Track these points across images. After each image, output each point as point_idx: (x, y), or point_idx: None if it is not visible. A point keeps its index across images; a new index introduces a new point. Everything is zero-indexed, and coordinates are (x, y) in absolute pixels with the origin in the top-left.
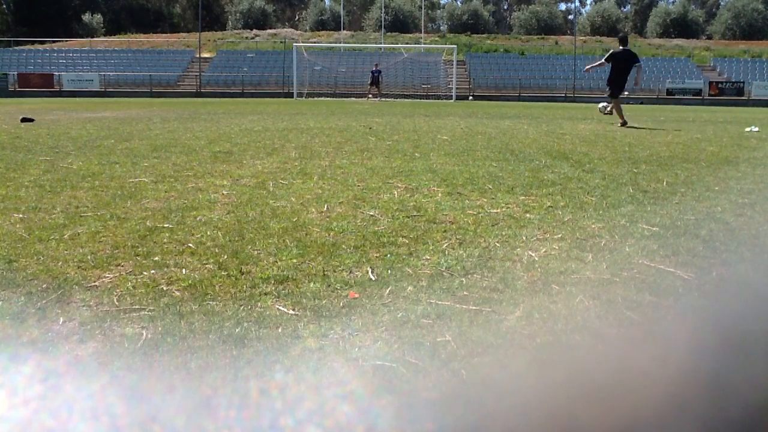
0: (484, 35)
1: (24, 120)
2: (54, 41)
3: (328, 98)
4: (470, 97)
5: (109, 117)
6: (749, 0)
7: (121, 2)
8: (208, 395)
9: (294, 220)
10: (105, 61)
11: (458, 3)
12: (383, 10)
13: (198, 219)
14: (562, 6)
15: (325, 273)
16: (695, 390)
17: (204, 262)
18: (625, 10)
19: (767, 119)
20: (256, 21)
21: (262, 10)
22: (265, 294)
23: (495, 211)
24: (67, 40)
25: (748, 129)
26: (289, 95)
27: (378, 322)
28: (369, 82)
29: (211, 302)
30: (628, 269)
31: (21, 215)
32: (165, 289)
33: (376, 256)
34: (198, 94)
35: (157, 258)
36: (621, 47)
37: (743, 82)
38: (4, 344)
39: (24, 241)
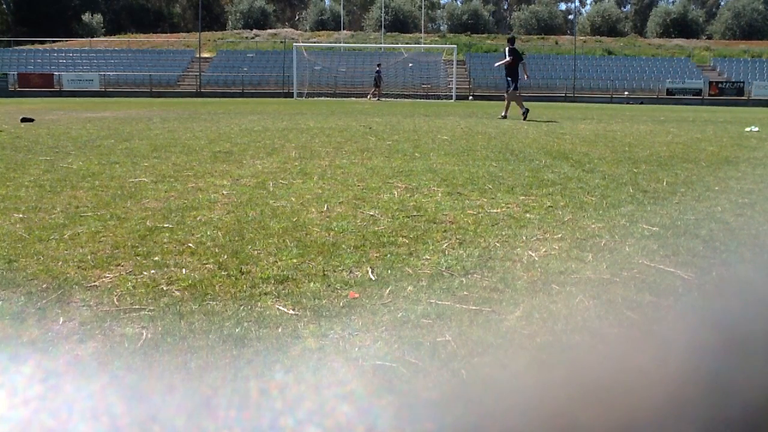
0: (484, 35)
1: (24, 120)
2: (54, 41)
3: (328, 98)
4: (470, 97)
5: (109, 117)
6: (749, 0)
7: (121, 2)
8: (208, 395)
9: (294, 220)
10: (105, 61)
11: (458, 3)
12: (383, 10)
13: (198, 219)
14: (562, 6)
15: (325, 273)
16: (695, 390)
17: (204, 262)
18: (625, 9)
19: (767, 119)
20: (256, 21)
21: (262, 10)
22: (265, 294)
23: (495, 210)
24: (67, 40)
25: (748, 129)
26: (289, 95)
27: (378, 322)
28: (374, 83)
29: (211, 302)
30: (628, 269)
31: (21, 215)
32: (165, 289)
33: (376, 256)
34: (198, 94)
35: (157, 258)
36: (512, 46)
37: (743, 82)
38: (4, 344)
39: (24, 241)
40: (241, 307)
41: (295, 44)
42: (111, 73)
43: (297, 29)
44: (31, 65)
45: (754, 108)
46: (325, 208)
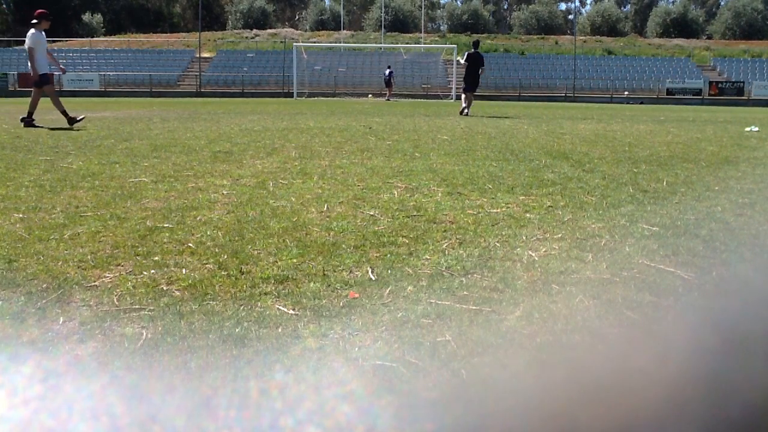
0: (484, 35)
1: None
2: (54, 41)
3: (328, 98)
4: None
5: (109, 117)
6: (749, 0)
7: (121, 2)
8: (208, 395)
9: (294, 219)
10: (105, 60)
11: (458, 3)
12: (383, 9)
13: (198, 219)
14: (562, 6)
15: (325, 273)
16: (694, 390)
17: (204, 261)
18: (625, 9)
19: (767, 119)
20: (256, 21)
21: (262, 9)
22: (265, 294)
23: (495, 210)
24: (67, 40)
25: (748, 129)
26: (289, 95)
27: (378, 322)
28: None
29: (211, 302)
30: (628, 269)
31: (21, 215)
32: (165, 288)
33: (376, 256)
34: (198, 94)
35: (157, 258)
36: (474, 50)
37: (743, 82)
38: (4, 344)
39: (24, 241)
40: (241, 307)
41: (295, 44)
42: (111, 73)
43: (297, 29)
44: None
45: (754, 108)
46: (325, 208)
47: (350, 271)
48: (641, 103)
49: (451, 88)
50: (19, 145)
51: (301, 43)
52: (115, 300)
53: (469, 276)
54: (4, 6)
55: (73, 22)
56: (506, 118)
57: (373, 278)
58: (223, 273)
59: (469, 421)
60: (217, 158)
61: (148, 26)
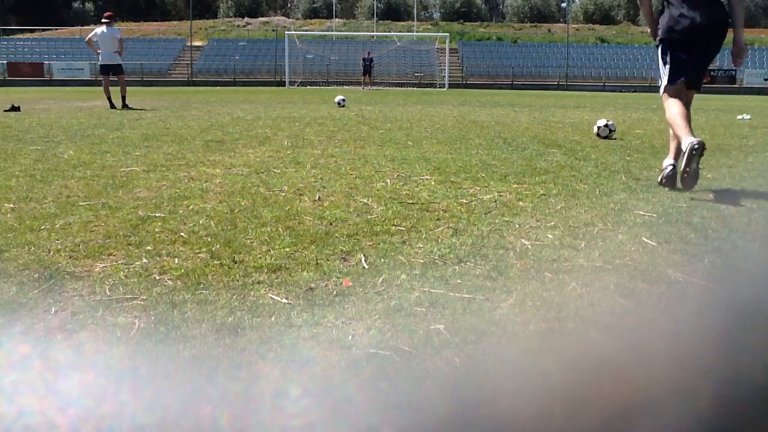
0: (476, 23)
1: (11, 109)
2: (44, 30)
3: (321, 86)
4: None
5: (100, 106)
6: None
7: None
8: (201, 384)
9: (287, 208)
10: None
11: None
12: None
13: (190, 208)
14: None
15: (318, 262)
16: (689, 378)
17: (196, 251)
18: None
19: (759, 107)
20: (248, 9)
21: None
22: (258, 283)
23: (488, 198)
24: (57, 29)
25: (740, 117)
26: (281, 84)
27: (371, 311)
28: (362, 72)
29: (203, 291)
30: (620, 257)
31: (12, 205)
32: (157, 278)
33: (369, 245)
34: (190, 83)
35: (149, 247)
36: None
37: (735, 70)
38: None
39: (15, 231)
40: (234, 296)
41: (287, 32)
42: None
43: (289, 17)
44: (21, 54)
45: (746, 96)
46: (317, 197)
47: (343, 260)
48: (634, 91)
49: (444, 76)
50: (9, 135)
51: (293, 32)
52: (107, 290)
53: (462, 264)
54: None
55: (63, 11)
56: (499, 106)
57: (366, 267)
58: (215, 262)
59: (462, 410)
60: (210, 147)
61: (139, 15)
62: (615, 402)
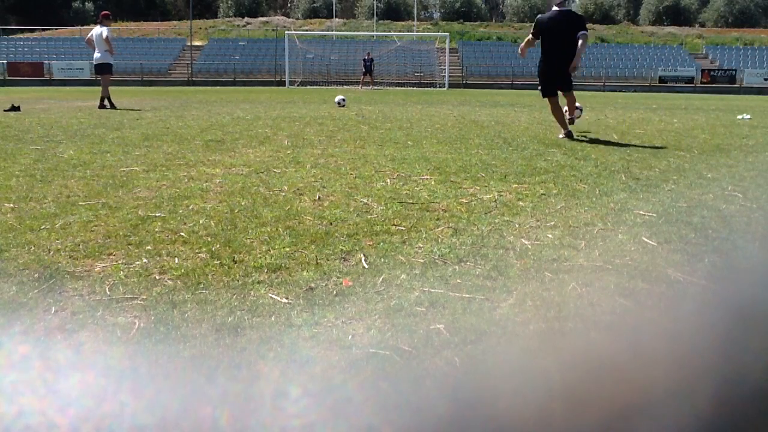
0: (476, 23)
1: (10, 109)
2: (44, 29)
3: (321, 86)
4: (443, 86)
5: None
6: None
7: None
8: (201, 384)
9: (287, 208)
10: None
11: None
12: None
13: (190, 208)
14: None
15: (318, 261)
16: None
17: (196, 251)
18: None
19: (759, 107)
20: (248, 9)
21: None
22: (258, 282)
23: (488, 198)
24: (57, 29)
25: (740, 117)
26: (281, 84)
27: (371, 310)
28: (363, 72)
29: (203, 291)
30: (620, 257)
31: (12, 205)
32: (157, 278)
33: (370, 245)
34: (189, 83)
35: (149, 247)
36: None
37: (735, 70)
38: None
39: (15, 231)
40: (234, 296)
41: (287, 32)
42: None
43: (289, 17)
44: (21, 54)
45: (746, 96)
46: (317, 197)
47: (343, 260)
48: (634, 91)
49: (444, 76)
50: (9, 135)
51: (293, 31)
52: (107, 289)
53: (462, 264)
54: None
55: (63, 10)
56: (499, 106)
57: (366, 266)
58: (215, 262)
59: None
60: (209, 147)
61: (139, 14)
62: (615, 402)
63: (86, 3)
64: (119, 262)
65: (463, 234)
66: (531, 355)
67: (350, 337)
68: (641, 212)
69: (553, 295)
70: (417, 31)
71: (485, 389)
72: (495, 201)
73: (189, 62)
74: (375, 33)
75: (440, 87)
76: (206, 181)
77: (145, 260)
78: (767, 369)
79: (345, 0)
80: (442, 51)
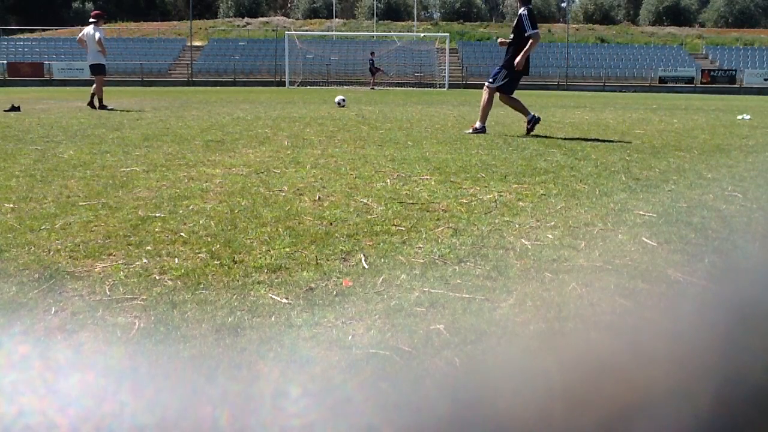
0: (476, 23)
1: (10, 110)
2: (44, 30)
3: (321, 86)
4: (443, 86)
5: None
6: None
7: None
8: (201, 384)
9: (287, 208)
10: None
11: None
12: None
13: (190, 208)
14: None
15: (318, 261)
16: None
17: (196, 251)
18: None
19: (759, 107)
20: (248, 9)
21: None
22: (258, 283)
23: (488, 198)
24: (57, 29)
25: (740, 117)
26: (281, 84)
27: (371, 311)
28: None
29: (203, 291)
30: (620, 257)
31: (12, 205)
32: (157, 278)
33: (370, 245)
34: (190, 83)
35: (149, 247)
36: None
37: (735, 70)
38: None
39: (15, 231)
40: (234, 296)
41: (287, 32)
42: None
43: (289, 17)
44: (21, 54)
45: (746, 96)
46: (317, 197)
47: (343, 260)
48: (634, 91)
49: (444, 76)
50: (9, 135)
51: (293, 32)
52: (107, 290)
53: (462, 264)
54: None
55: (63, 11)
56: (499, 106)
57: (366, 267)
58: (215, 262)
59: (461, 411)
60: (209, 147)
61: (139, 14)
62: (615, 402)
63: (86, 3)
64: (119, 262)
65: (463, 234)
66: (531, 355)
67: (350, 337)
68: (641, 212)
69: (553, 296)
70: (417, 32)
71: (485, 389)
72: (495, 201)
73: (189, 62)
74: (375, 33)
75: (440, 87)
76: (206, 182)
77: (145, 260)
78: (767, 369)
79: (345, 0)
80: (442, 51)
